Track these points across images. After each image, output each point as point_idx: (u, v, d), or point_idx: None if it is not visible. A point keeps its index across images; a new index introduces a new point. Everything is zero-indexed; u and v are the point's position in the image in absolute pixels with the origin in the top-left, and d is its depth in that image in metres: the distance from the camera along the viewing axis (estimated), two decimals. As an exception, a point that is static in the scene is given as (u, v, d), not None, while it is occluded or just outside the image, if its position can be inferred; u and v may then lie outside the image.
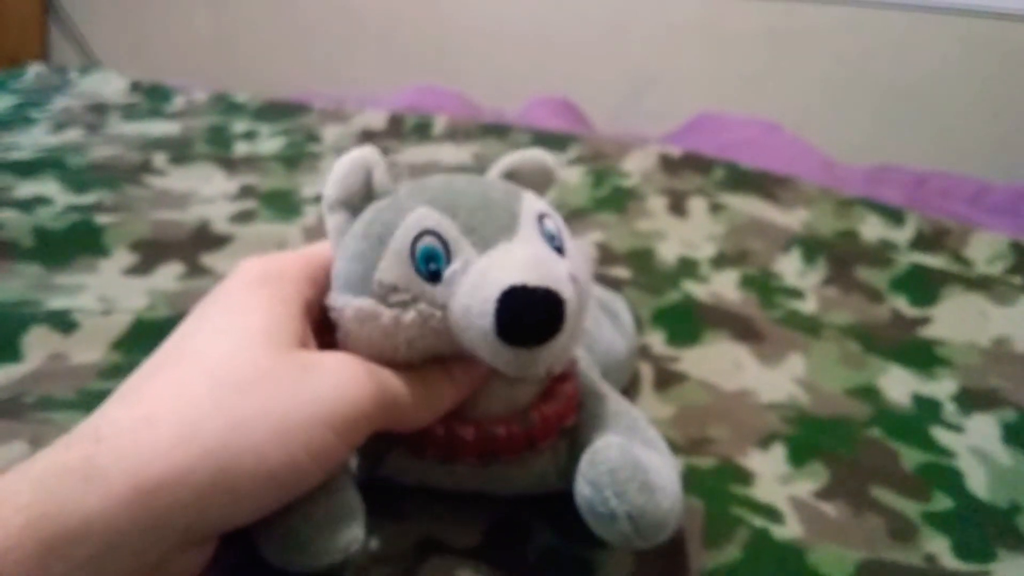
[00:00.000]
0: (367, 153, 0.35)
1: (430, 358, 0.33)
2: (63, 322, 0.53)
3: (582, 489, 0.32)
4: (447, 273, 0.31)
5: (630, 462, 0.32)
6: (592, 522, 0.32)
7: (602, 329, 0.46)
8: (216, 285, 0.34)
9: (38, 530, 0.23)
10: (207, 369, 0.28)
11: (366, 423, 0.30)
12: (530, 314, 0.29)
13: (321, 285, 0.35)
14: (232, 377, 0.28)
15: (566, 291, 0.30)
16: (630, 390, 0.51)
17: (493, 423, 0.35)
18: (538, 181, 0.38)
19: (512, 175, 0.38)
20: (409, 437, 0.35)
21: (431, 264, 0.32)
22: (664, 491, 0.32)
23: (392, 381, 0.32)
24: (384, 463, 0.36)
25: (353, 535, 0.30)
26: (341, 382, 0.29)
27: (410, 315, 0.32)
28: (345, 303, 0.33)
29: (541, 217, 0.34)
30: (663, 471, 0.33)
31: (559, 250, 0.33)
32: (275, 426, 0.27)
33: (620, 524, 0.31)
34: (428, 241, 0.32)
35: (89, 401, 0.45)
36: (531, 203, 0.34)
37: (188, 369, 0.28)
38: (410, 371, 0.33)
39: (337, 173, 0.34)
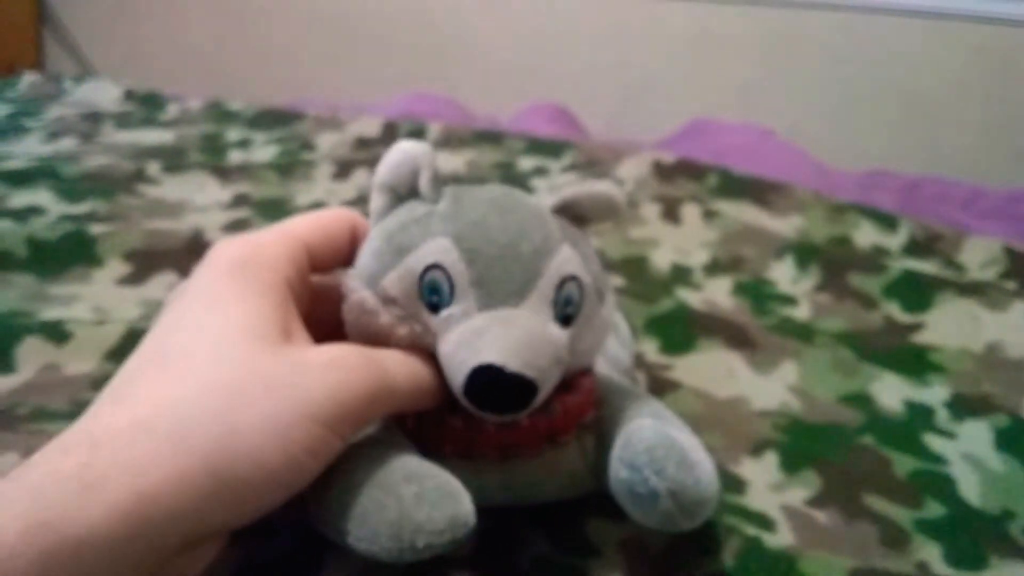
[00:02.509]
0: (420, 152, 0.35)
1: None
2: (56, 332, 0.53)
3: (619, 472, 0.33)
4: (444, 313, 0.32)
5: (666, 440, 0.33)
6: (632, 506, 0.33)
7: (608, 340, 0.46)
8: (192, 272, 0.34)
9: (38, 538, 0.23)
10: (195, 371, 0.28)
11: (361, 416, 0.30)
12: (497, 396, 0.30)
13: (301, 262, 0.34)
14: (221, 380, 0.28)
15: (544, 377, 0.31)
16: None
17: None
18: (598, 214, 0.37)
19: (569, 208, 0.36)
20: (428, 433, 0.34)
21: (434, 296, 0.32)
22: (702, 466, 0.33)
23: (388, 365, 0.31)
24: None
25: (468, 509, 0.30)
26: (331, 378, 0.29)
27: (404, 330, 0.33)
28: (355, 288, 0.34)
29: (564, 282, 0.33)
30: (697, 448, 0.34)
31: (569, 318, 0.34)
32: (271, 429, 0.27)
33: (662, 503, 0.31)
34: (437, 276, 0.32)
35: (83, 411, 0.45)
36: (562, 263, 0.33)
37: (176, 371, 0.28)
38: (403, 355, 0.33)
39: (391, 158, 0.35)
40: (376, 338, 0.33)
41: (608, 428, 0.36)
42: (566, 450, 0.36)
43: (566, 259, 0.34)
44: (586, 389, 0.36)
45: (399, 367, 0.32)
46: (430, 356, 0.33)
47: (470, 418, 0.33)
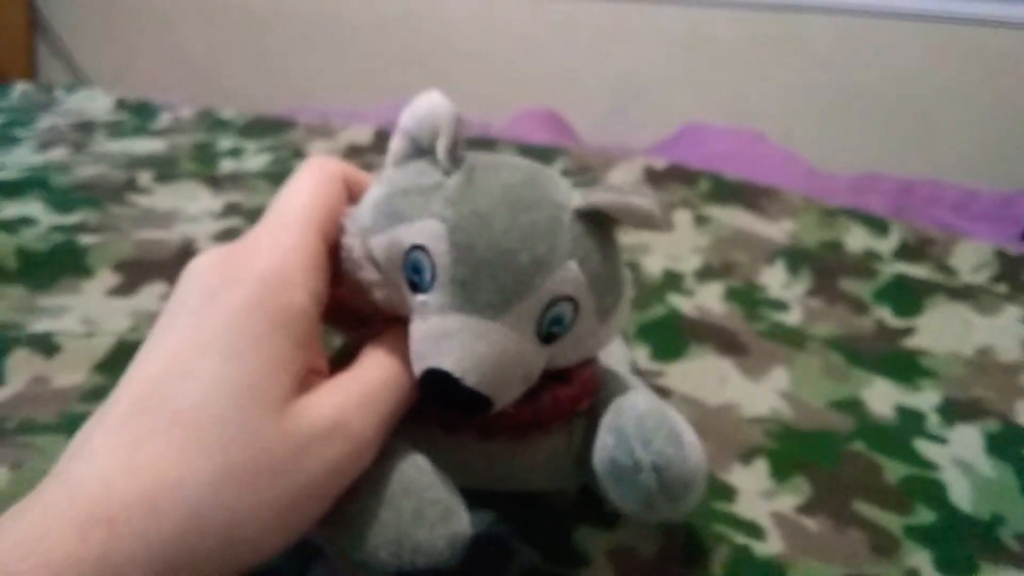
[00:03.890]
0: (444, 114, 0.31)
1: None
2: (46, 345, 0.53)
3: (605, 439, 0.32)
4: (420, 298, 0.30)
5: (658, 412, 0.32)
6: (612, 478, 0.31)
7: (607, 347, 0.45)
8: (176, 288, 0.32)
9: None
10: (208, 445, 0.27)
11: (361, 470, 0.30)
12: (448, 402, 0.29)
13: (323, 264, 0.32)
14: (231, 460, 0.27)
15: (501, 395, 0.30)
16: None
17: None
18: (628, 222, 0.33)
19: (601, 215, 0.32)
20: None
21: (415, 276, 0.31)
22: (693, 446, 0.31)
23: (389, 400, 0.31)
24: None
25: (466, 528, 0.30)
26: (333, 453, 0.28)
27: (382, 293, 0.32)
28: (348, 230, 0.33)
29: (555, 302, 0.30)
30: (692, 433, 0.32)
31: (553, 336, 0.31)
32: (273, 517, 0.27)
33: (644, 476, 0.30)
34: (422, 259, 0.30)
35: (71, 424, 0.45)
36: (559, 283, 0.30)
37: (188, 438, 0.27)
38: (397, 370, 0.32)
39: (417, 108, 0.33)
40: (359, 286, 0.33)
41: (600, 411, 0.34)
42: (553, 435, 0.34)
43: (566, 278, 0.30)
44: (583, 380, 0.34)
45: (394, 392, 0.31)
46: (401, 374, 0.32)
47: None
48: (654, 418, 0.31)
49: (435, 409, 0.32)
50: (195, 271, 0.32)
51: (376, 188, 0.33)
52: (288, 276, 0.30)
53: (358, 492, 0.30)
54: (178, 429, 0.27)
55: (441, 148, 0.31)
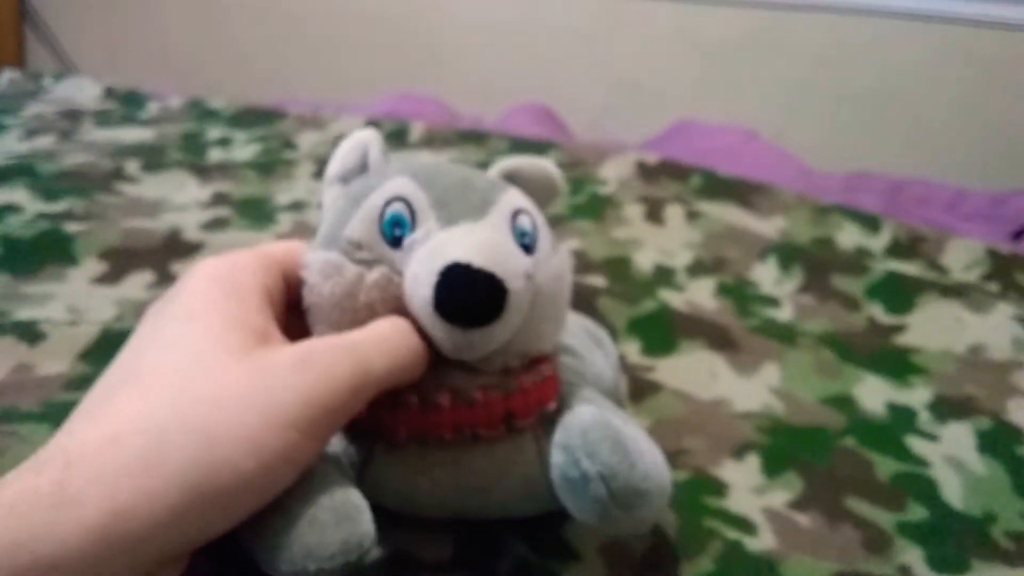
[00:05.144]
0: (366, 133, 0.37)
1: None
2: (29, 332, 0.52)
3: (555, 457, 0.32)
4: (407, 240, 0.32)
5: (601, 423, 0.32)
6: (567, 493, 0.32)
7: (594, 355, 0.45)
8: (173, 286, 0.34)
9: (11, 559, 0.22)
10: (169, 386, 0.27)
11: (337, 412, 0.29)
12: (468, 294, 0.30)
13: (276, 273, 0.35)
14: (194, 393, 0.27)
15: (514, 282, 0.30)
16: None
17: (470, 389, 0.33)
18: (540, 189, 0.39)
19: (512, 178, 0.38)
20: (381, 419, 0.33)
21: (396, 230, 0.33)
22: (641, 456, 0.32)
23: (361, 349, 0.31)
24: (369, 469, 0.34)
25: (364, 531, 0.29)
26: (300, 380, 0.28)
27: (374, 275, 0.32)
28: (315, 257, 0.34)
29: (517, 213, 0.34)
30: (642, 442, 0.33)
31: (527, 248, 0.34)
32: (244, 439, 0.26)
33: (593, 487, 0.31)
34: (397, 208, 0.33)
35: (55, 413, 0.44)
36: (512, 198, 0.35)
37: (150, 386, 0.28)
38: (376, 331, 0.32)
39: (339, 152, 0.37)
40: (344, 298, 0.32)
41: None
42: (523, 447, 0.34)
43: (517, 196, 0.35)
44: (546, 374, 0.35)
45: (374, 347, 0.31)
46: (403, 320, 0.32)
47: (426, 396, 0.33)
48: (598, 430, 0.32)
49: (413, 411, 0.33)
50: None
51: (326, 215, 0.36)
52: (236, 268, 0.33)
53: (271, 504, 0.29)
54: (139, 379, 0.28)
55: (374, 152, 0.36)
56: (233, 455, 0.26)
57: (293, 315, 0.35)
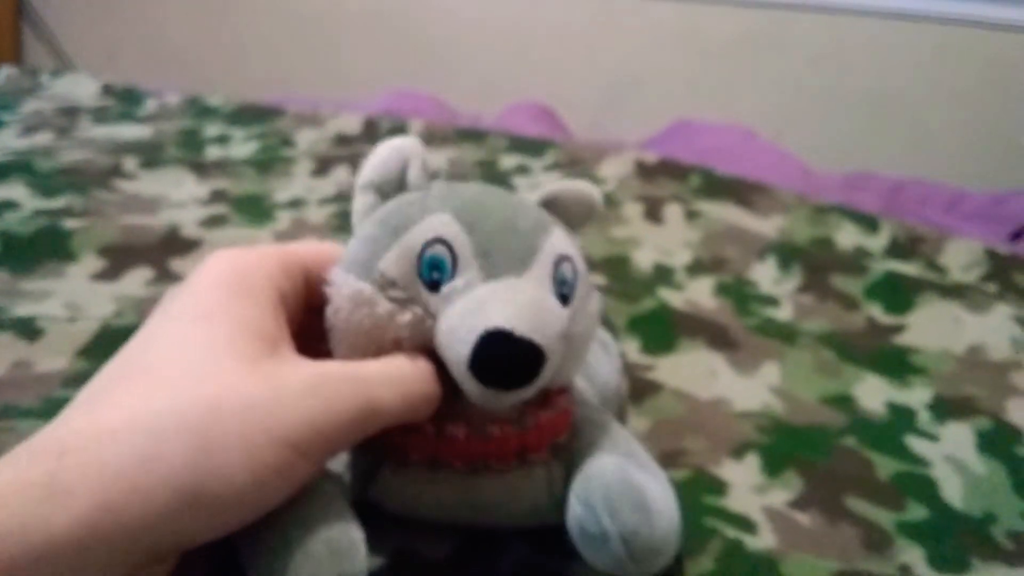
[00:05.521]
0: (409, 144, 0.34)
1: None
2: (28, 329, 0.52)
3: (574, 508, 0.32)
4: (447, 288, 0.31)
5: (625, 481, 0.31)
6: (584, 545, 0.31)
7: (600, 363, 0.44)
8: (184, 281, 0.33)
9: (1, 547, 0.22)
10: (173, 384, 0.27)
11: (338, 441, 0.29)
12: (506, 362, 0.29)
13: (295, 277, 0.34)
14: (198, 395, 0.27)
15: (552, 348, 0.29)
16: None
17: (486, 423, 0.33)
18: (578, 213, 0.37)
19: (552, 204, 0.36)
20: (393, 438, 0.33)
21: (435, 273, 0.31)
22: (660, 515, 0.31)
23: (373, 385, 0.30)
24: (375, 480, 0.34)
25: (358, 569, 0.29)
26: (308, 405, 0.28)
27: (406, 316, 0.31)
28: (345, 281, 0.32)
29: (560, 261, 0.33)
30: (660, 496, 0.32)
31: (565, 298, 0.33)
32: (242, 450, 0.26)
33: (612, 545, 0.30)
34: (439, 250, 0.31)
35: (54, 409, 0.43)
36: (556, 242, 0.33)
37: (153, 382, 0.27)
38: (393, 367, 0.31)
39: (376, 157, 0.34)
40: (373, 330, 0.32)
41: (578, 461, 0.34)
42: (533, 475, 0.34)
43: (560, 239, 0.34)
44: (562, 407, 0.35)
45: (386, 385, 0.30)
46: (423, 360, 0.32)
47: (441, 425, 0.32)
48: (620, 487, 0.31)
49: (428, 439, 0.33)
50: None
51: (360, 232, 0.34)
52: (253, 267, 0.32)
53: (269, 521, 0.29)
54: (142, 374, 0.28)
55: (415, 170, 0.34)
56: (228, 464, 0.26)
57: (313, 316, 0.34)
